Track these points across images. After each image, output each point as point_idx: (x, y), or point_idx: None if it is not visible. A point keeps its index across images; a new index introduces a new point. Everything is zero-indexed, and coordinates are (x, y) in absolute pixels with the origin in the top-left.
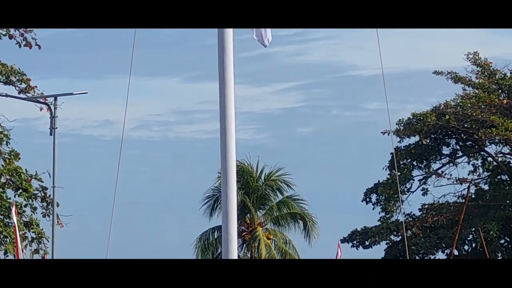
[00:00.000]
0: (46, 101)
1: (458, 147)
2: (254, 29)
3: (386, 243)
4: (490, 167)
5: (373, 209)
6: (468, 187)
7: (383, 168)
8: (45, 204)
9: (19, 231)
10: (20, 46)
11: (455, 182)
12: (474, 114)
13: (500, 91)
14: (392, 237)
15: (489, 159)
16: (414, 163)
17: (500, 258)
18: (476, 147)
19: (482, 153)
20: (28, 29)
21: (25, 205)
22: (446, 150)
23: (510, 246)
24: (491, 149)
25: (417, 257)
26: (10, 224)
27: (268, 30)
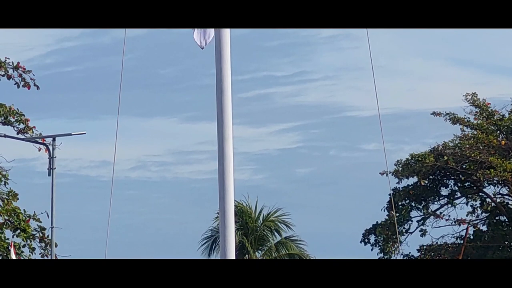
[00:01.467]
0: (45, 142)
1: (456, 188)
2: (196, 29)
3: None
4: (489, 208)
5: (372, 250)
6: (467, 228)
7: (382, 209)
8: (43, 244)
9: None
10: (18, 86)
11: (453, 223)
12: (473, 155)
13: (498, 132)
14: None
15: (488, 200)
16: (413, 204)
17: None
18: (475, 188)
19: (480, 194)
20: (26, 69)
21: (24, 246)
22: (444, 191)
23: None
24: (490, 190)
25: None
26: None
27: (211, 31)
